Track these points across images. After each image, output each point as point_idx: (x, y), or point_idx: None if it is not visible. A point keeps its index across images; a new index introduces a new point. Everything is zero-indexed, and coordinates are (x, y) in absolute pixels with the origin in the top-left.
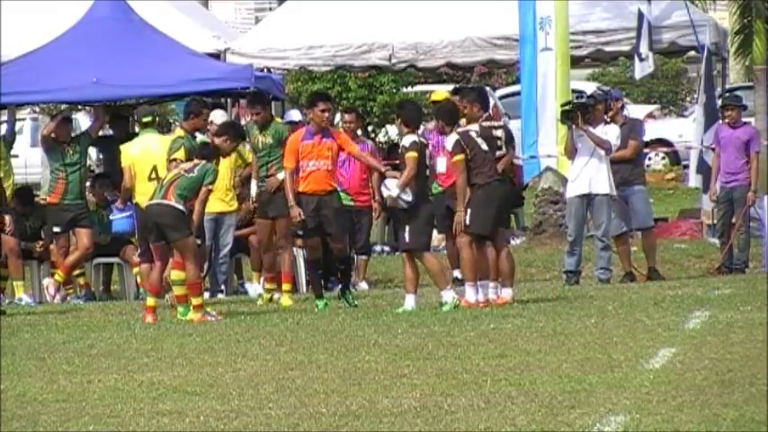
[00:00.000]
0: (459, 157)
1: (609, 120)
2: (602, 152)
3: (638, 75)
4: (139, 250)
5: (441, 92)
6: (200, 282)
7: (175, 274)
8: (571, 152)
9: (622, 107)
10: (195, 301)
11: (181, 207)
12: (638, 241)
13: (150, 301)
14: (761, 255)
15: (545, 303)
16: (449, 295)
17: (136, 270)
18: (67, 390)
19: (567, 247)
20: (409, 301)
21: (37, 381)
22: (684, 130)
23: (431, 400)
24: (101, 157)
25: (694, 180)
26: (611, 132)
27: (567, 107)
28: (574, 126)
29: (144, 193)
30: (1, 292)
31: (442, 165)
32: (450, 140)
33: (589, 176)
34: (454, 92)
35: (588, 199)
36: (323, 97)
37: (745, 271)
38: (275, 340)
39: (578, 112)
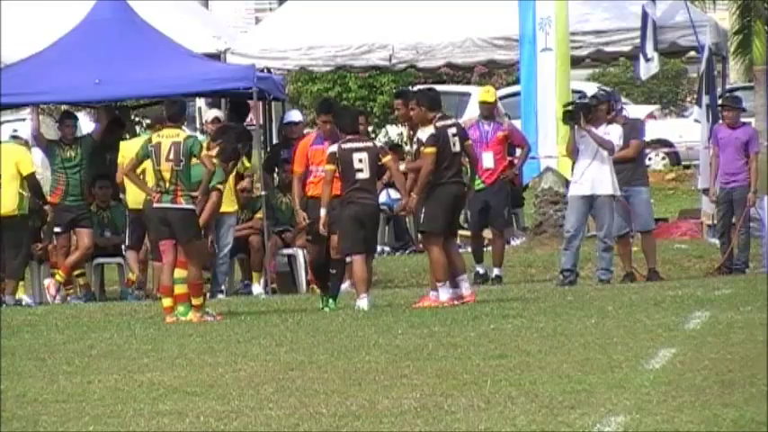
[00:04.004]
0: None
1: (608, 121)
2: (605, 153)
3: (643, 75)
4: (127, 242)
5: (491, 91)
6: (201, 282)
7: (177, 273)
8: (573, 152)
9: (621, 108)
10: (195, 301)
11: (191, 206)
12: (638, 241)
13: (166, 301)
14: (761, 255)
15: (545, 303)
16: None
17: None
18: (68, 390)
19: (563, 244)
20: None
21: (37, 381)
22: (685, 130)
23: (431, 401)
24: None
25: (702, 181)
26: (613, 133)
27: (569, 107)
28: (576, 126)
29: (131, 193)
30: (1, 291)
31: (488, 160)
32: (427, 133)
33: (592, 178)
34: (396, 95)
35: (591, 200)
36: (323, 108)
37: (746, 271)
38: (275, 341)
39: (581, 113)
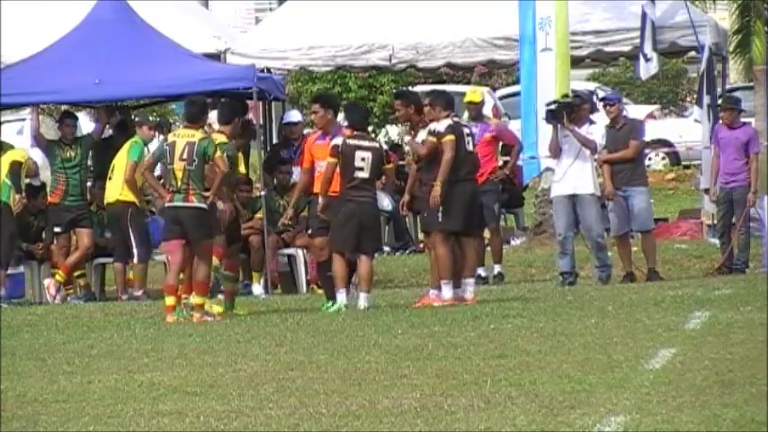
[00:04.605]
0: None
1: (594, 121)
2: (588, 152)
3: (643, 75)
4: (117, 252)
5: (477, 92)
6: (208, 282)
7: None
8: (556, 151)
9: (622, 109)
10: (198, 300)
11: (203, 205)
12: (638, 241)
13: (169, 300)
14: (761, 255)
15: (545, 303)
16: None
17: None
18: (68, 390)
19: (558, 247)
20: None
21: (37, 381)
22: (685, 130)
23: (431, 401)
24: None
25: (704, 181)
26: (596, 132)
27: (552, 106)
28: (559, 125)
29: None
30: None
31: None
32: (444, 124)
33: (574, 177)
34: (396, 96)
35: (574, 199)
36: (313, 99)
37: (746, 271)
38: (275, 341)
39: (564, 112)
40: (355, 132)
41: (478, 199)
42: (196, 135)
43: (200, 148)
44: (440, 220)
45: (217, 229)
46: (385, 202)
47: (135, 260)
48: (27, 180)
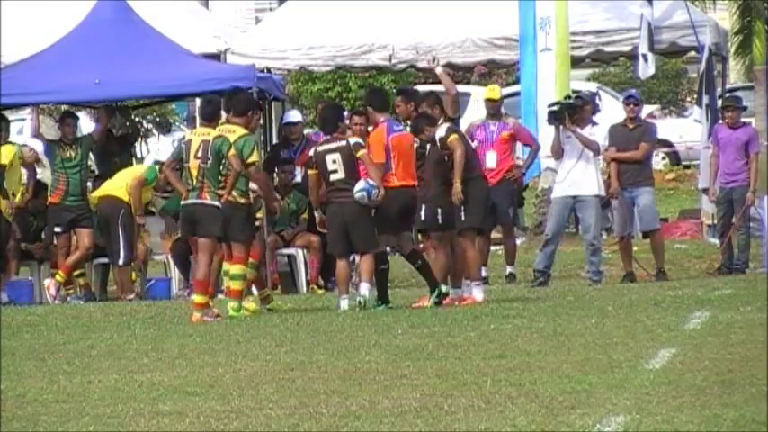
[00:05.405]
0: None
1: (597, 122)
2: (591, 153)
3: (642, 76)
4: (122, 261)
5: (496, 89)
6: (206, 282)
7: (232, 269)
8: (558, 153)
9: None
10: (199, 299)
11: (216, 203)
12: (639, 241)
13: (199, 298)
14: (761, 255)
15: (545, 303)
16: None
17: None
18: (68, 390)
19: (541, 244)
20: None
21: (37, 381)
22: (685, 130)
23: (431, 401)
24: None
25: (703, 181)
26: (598, 133)
27: (554, 108)
28: (561, 127)
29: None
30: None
31: (491, 160)
32: (443, 128)
33: (577, 179)
34: (397, 93)
35: (575, 201)
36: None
37: (746, 271)
38: (275, 341)
39: (566, 113)
40: (327, 137)
41: (491, 196)
42: (211, 133)
43: (215, 147)
44: (463, 218)
45: (251, 231)
46: (367, 182)
47: (120, 262)
48: (29, 171)
